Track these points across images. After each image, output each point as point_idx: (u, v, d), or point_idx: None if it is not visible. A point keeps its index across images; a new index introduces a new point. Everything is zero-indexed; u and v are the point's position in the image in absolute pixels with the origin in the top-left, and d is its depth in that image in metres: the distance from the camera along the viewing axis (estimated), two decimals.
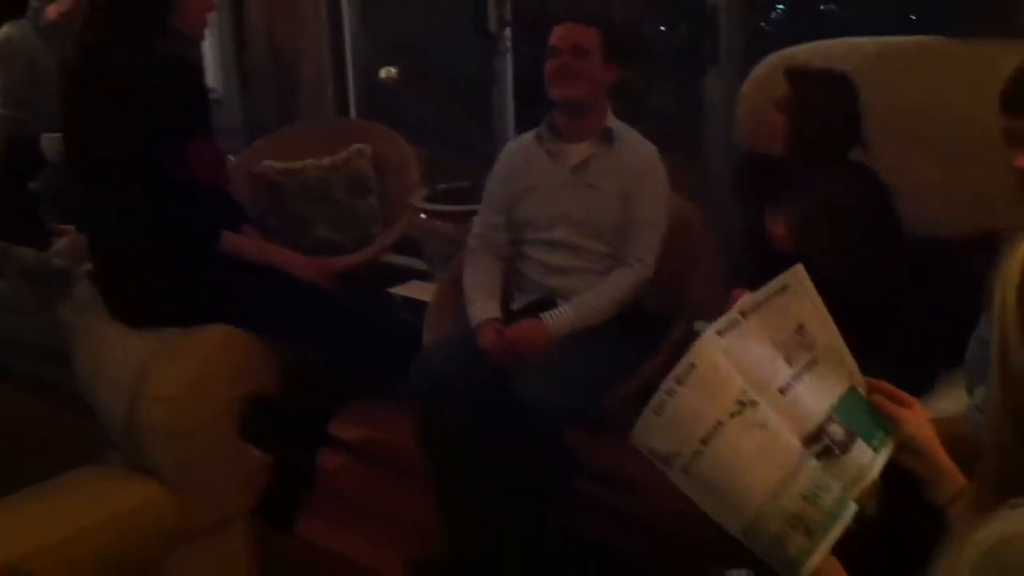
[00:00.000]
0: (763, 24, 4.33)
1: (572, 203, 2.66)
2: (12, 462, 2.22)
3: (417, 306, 3.53)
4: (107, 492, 2.23)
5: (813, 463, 1.36)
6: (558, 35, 2.67)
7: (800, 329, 1.50)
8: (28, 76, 4.27)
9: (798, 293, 1.51)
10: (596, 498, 2.84)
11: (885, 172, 2.43)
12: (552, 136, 2.73)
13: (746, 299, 1.47)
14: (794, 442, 1.37)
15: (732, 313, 1.43)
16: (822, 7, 4.46)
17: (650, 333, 2.68)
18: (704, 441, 1.32)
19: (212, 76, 4.70)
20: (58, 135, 4.01)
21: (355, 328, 2.59)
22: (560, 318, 2.54)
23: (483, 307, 2.64)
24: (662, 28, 4.34)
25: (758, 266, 2.54)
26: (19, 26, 4.33)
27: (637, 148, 2.70)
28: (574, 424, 2.49)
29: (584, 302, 2.57)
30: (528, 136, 2.81)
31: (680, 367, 1.34)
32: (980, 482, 1.15)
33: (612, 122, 2.70)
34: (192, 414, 2.28)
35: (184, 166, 2.36)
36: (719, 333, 1.40)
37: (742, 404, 1.35)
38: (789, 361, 1.46)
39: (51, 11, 4.26)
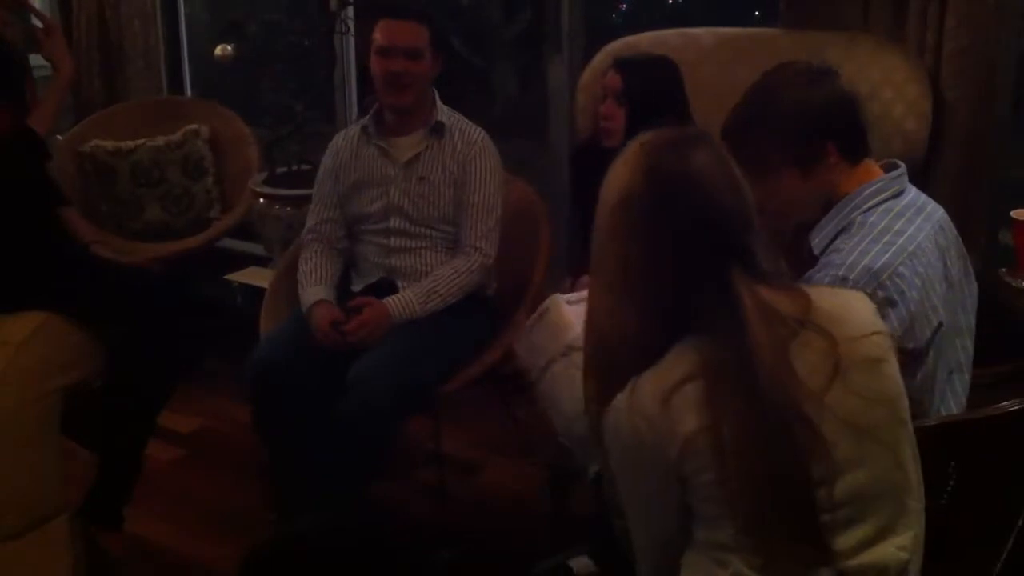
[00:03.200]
0: (613, 15, 4.39)
1: (404, 196, 2.64)
2: None
3: (255, 292, 3.44)
4: None
5: None
6: (390, 34, 2.58)
7: None
8: None
9: None
10: (435, 482, 2.86)
11: None
12: (380, 132, 2.69)
13: (579, 294, 1.87)
14: None
15: (579, 294, 1.87)
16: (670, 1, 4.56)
17: (493, 319, 2.68)
18: (544, 368, 1.84)
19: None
20: None
21: (176, 314, 2.51)
22: (402, 303, 2.52)
23: (313, 291, 2.61)
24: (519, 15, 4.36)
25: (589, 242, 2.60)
26: None
27: (466, 135, 2.68)
28: (410, 409, 2.47)
29: (426, 288, 2.55)
30: (354, 129, 2.76)
31: (540, 309, 1.88)
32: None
33: (441, 114, 2.68)
34: (9, 405, 2.14)
35: None
36: (568, 302, 1.87)
37: (571, 348, 1.80)
38: None
39: None
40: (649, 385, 1.26)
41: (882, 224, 1.70)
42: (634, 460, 1.30)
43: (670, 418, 1.24)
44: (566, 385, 1.77)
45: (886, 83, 2.63)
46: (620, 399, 1.28)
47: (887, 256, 1.64)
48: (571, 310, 1.89)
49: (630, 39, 3.03)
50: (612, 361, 1.34)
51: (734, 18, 3.23)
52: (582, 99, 3.07)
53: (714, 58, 2.89)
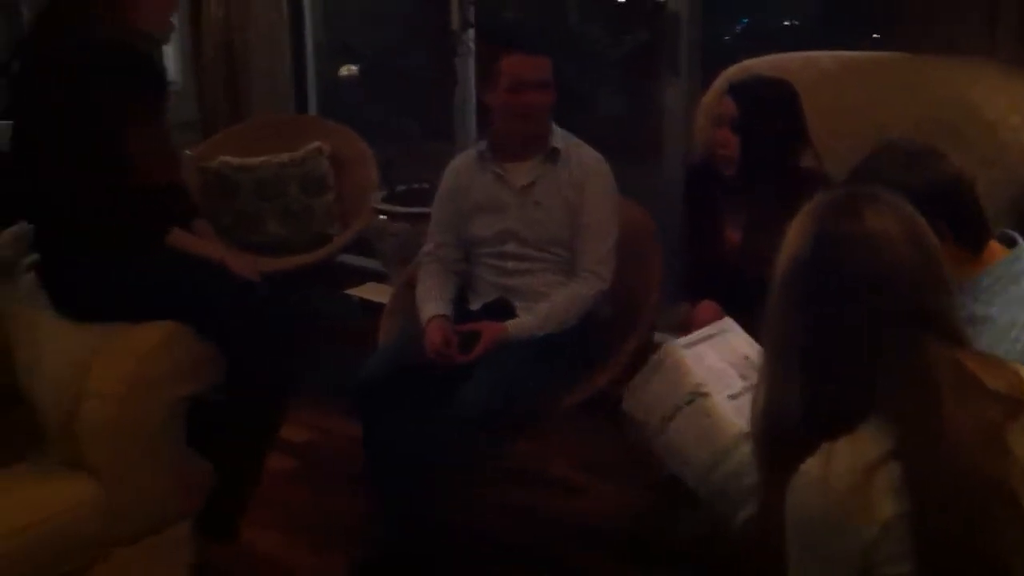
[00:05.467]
0: (726, 38, 4.35)
1: (520, 222, 2.67)
2: None
3: (373, 308, 3.50)
4: (40, 491, 2.16)
5: (748, 450, 1.67)
6: (522, 69, 2.61)
7: (746, 358, 1.93)
8: None
9: (736, 334, 2.00)
10: (532, 504, 2.86)
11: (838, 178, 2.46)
12: (496, 158, 2.72)
13: (691, 336, 1.96)
14: (732, 432, 1.78)
15: (691, 337, 1.93)
16: (785, 23, 4.50)
17: (605, 342, 2.67)
18: (665, 419, 1.82)
19: (169, 69, 4.64)
20: (7, 123, 3.96)
21: (294, 328, 2.57)
22: (520, 327, 2.56)
23: (431, 307, 2.66)
24: (625, 37, 4.35)
25: (705, 274, 2.57)
26: None
27: (581, 159, 2.70)
28: (516, 428, 2.49)
29: (544, 311, 2.58)
30: (470, 154, 2.80)
31: (654, 359, 1.89)
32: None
33: (556, 139, 2.69)
34: (133, 413, 2.22)
35: (132, 154, 2.31)
36: (684, 346, 1.88)
37: (694, 395, 1.82)
38: (743, 377, 1.88)
39: None
40: (847, 458, 1.17)
41: (1006, 319, 1.61)
42: (818, 531, 1.20)
43: (869, 498, 1.14)
44: (697, 435, 1.76)
45: (1013, 110, 2.55)
46: (812, 465, 1.19)
47: (1016, 357, 1.53)
48: (689, 355, 1.86)
49: (748, 63, 3.00)
50: (785, 430, 1.27)
51: (850, 41, 3.16)
52: (700, 121, 3.04)
53: (835, 82, 2.83)
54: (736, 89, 2.57)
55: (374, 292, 3.80)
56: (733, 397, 1.88)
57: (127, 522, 2.19)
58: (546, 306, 2.59)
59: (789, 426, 1.27)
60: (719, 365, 1.95)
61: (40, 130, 2.36)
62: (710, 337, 2.02)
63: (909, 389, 1.19)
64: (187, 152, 3.88)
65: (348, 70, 3.73)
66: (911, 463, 1.15)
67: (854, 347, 1.23)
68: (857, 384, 1.22)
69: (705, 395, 1.86)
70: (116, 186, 2.31)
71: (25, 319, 2.38)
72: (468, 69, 3.89)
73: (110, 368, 2.22)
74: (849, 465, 1.16)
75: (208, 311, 2.30)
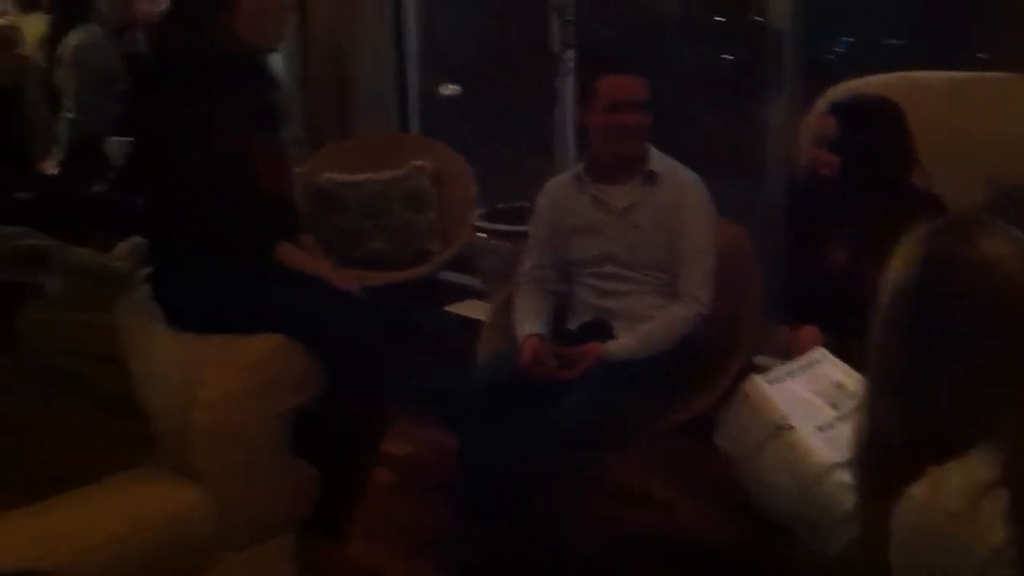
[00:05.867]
0: (829, 56, 4.30)
1: (619, 244, 2.69)
2: (56, 464, 2.24)
3: (472, 325, 3.54)
4: (152, 497, 2.24)
5: (837, 481, 1.75)
6: (620, 89, 2.64)
7: (839, 386, 1.97)
8: (97, 81, 4.35)
9: (829, 363, 2.04)
10: (619, 519, 2.86)
11: (947, 198, 2.42)
12: (593, 180, 2.73)
13: (778, 370, 2.02)
14: (819, 463, 1.82)
15: (779, 371, 1.98)
16: (889, 42, 4.42)
17: (705, 365, 2.66)
18: (751, 452, 1.87)
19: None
20: (123, 139, 4.12)
21: (396, 342, 2.61)
22: (620, 349, 2.57)
23: (527, 326, 2.69)
24: (726, 56, 4.33)
25: (807, 295, 2.54)
26: (88, 31, 4.42)
27: (679, 181, 2.70)
28: (614, 447, 2.49)
29: (643, 333, 2.58)
30: (567, 177, 2.83)
31: (739, 393, 1.94)
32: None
33: (654, 162, 2.69)
34: (241, 422, 2.28)
35: (249, 168, 2.38)
36: (769, 380, 1.94)
37: (779, 429, 1.85)
38: (835, 407, 1.93)
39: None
40: (956, 482, 1.15)
41: None
42: (928, 555, 1.18)
43: (978, 522, 1.12)
44: (785, 466, 1.79)
45: None
46: (920, 490, 1.18)
47: None
48: (773, 389, 1.87)
49: (853, 83, 2.96)
50: (890, 456, 1.26)
51: (955, 61, 3.08)
52: (803, 141, 3.01)
53: (945, 104, 2.76)
54: (838, 108, 2.54)
55: (473, 309, 3.84)
56: (822, 429, 1.90)
57: (235, 529, 2.25)
58: (645, 328, 2.60)
59: (894, 451, 1.26)
60: (807, 397, 1.97)
61: (157, 145, 2.43)
62: (800, 369, 2.05)
63: (1017, 415, 1.16)
64: (295, 169, 3.97)
65: (449, 89, 3.79)
66: (1017, 490, 1.13)
67: (962, 373, 1.21)
68: (965, 410, 1.20)
69: (790, 428, 1.88)
70: (232, 200, 2.38)
71: (139, 330, 2.47)
72: (568, 89, 3.92)
73: (219, 379, 2.29)
74: (958, 489, 1.15)
75: (313, 325, 2.36)
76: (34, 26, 4.69)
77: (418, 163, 4.08)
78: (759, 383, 1.91)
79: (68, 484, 2.19)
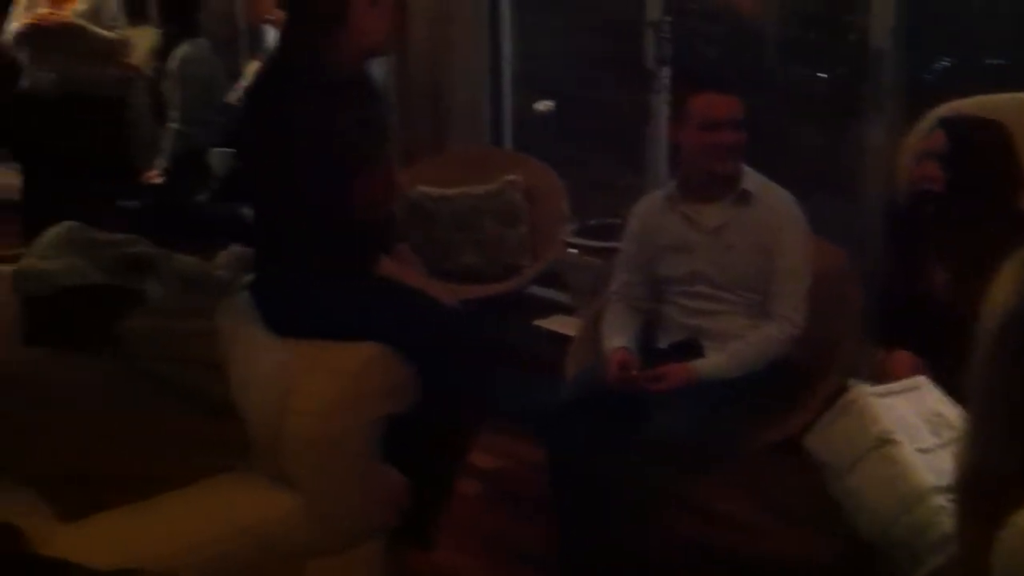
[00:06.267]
0: (927, 75, 4.22)
1: (710, 264, 2.67)
2: (155, 466, 2.30)
3: (559, 340, 3.55)
4: (247, 501, 2.28)
5: (936, 504, 1.70)
6: (716, 108, 2.63)
7: (940, 415, 1.92)
8: (202, 93, 4.48)
9: (930, 391, 2.00)
10: (709, 543, 2.84)
11: None
12: (685, 199, 2.72)
13: (883, 387, 1.97)
14: (920, 483, 1.76)
15: (883, 388, 1.93)
16: (991, 62, 4.32)
17: (797, 387, 2.63)
18: (850, 463, 1.81)
19: None
20: (227, 151, 4.23)
21: (485, 354, 2.63)
22: (711, 368, 2.56)
23: (614, 340, 2.69)
24: (821, 75, 4.28)
25: (904, 317, 2.50)
26: (196, 45, 4.55)
27: (774, 201, 2.67)
28: (704, 466, 2.47)
29: (734, 353, 2.57)
30: (658, 195, 2.82)
31: (842, 401, 1.89)
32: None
33: (748, 181, 2.68)
34: (336, 429, 2.32)
35: (356, 182, 2.43)
36: (874, 393, 1.90)
37: (882, 441, 1.81)
38: (936, 434, 1.89)
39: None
40: None
41: None
42: None
43: None
44: (884, 481, 1.74)
45: None
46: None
47: None
48: (880, 402, 1.83)
49: (957, 103, 2.90)
50: (995, 484, 1.25)
51: None
52: (904, 160, 2.97)
53: None
54: (947, 124, 2.52)
55: (562, 324, 3.84)
56: (923, 451, 1.86)
57: (327, 534, 2.29)
58: (737, 348, 2.58)
59: (1000, 479, 1.23)
60: (911, 418, 1.93)
61: (268, 159, 2.49)
62: (903, 391, 2.01)
63: None
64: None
65: (544, 105, 3.81)
66: None
67: None
68: None
69: (894, 443, 1.84)
70: (339, 215, 2.43)
71: (239, 335, 2.53)
72: (661, 106, 3.91)
73: (315, 386, 2.33)
74: None
75: (410, 335, 2.40)
76: (144, 39, 4.85)
77: (511, 178, 4.10)
78: (865, 393, 1.86)
79: (165, 486, 2.25)
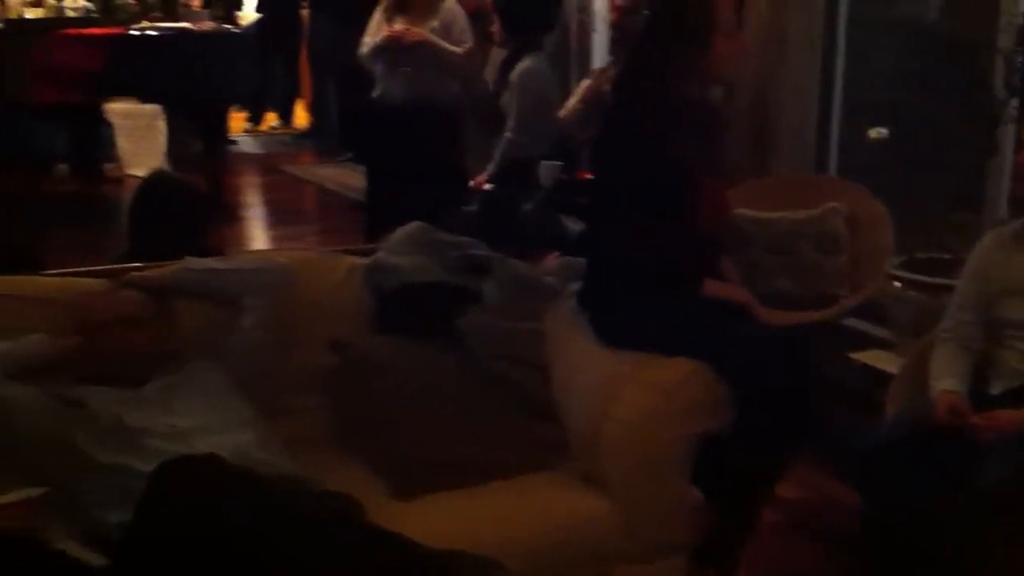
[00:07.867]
0: None
1: None
2: (479, 458, 2.44)
3: (875, 376, 3.44)
4: (563, 500, 2.39)
5: None
6: None
7: None
8: (537, 105, 4.69)
9: None
10: None
11: None
12: None
13: None
14: None
15: None
16: None
17: None
18: None
19: None
20: (555, 163, 4.41)
21: (804, 382, 2.59)
22: None
23: (944, 383, 2.58)
24: None
25: None
26: (536, 59, 4.77)
27: None
28: None
29: None
30: (1006, 231, 2.67)
31: None
32: None
33: None
34: (649, 441, 2.38)
35: (693, 206, 2.49)
36: None
37: None
38: None
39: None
40: None
41: None
42: None
43: None
44: None
45: None
46: None
47: None
48: None
49: None
50: None
51: None
52: None
53: None
54: None
55: (879, 360, 3.72)
56: None
57: (637, 542, 2.36)
58: None
59: None
60: None
61: (619, 179, 2.60)
62: None
63: None
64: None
65: (878, 132, 3.70)
66: None
67: None
68: None
69: None
70: (677, 236, 2.50)
71: (565, 341, 2.65)
72: (1008, 139, 3.70)
73: (634, 397, 2.40)
74: None
75: (733, 355, 2.41)
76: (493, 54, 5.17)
77: (834, 205, 4.01)
78: None
79: (491, 477, 2.40)
